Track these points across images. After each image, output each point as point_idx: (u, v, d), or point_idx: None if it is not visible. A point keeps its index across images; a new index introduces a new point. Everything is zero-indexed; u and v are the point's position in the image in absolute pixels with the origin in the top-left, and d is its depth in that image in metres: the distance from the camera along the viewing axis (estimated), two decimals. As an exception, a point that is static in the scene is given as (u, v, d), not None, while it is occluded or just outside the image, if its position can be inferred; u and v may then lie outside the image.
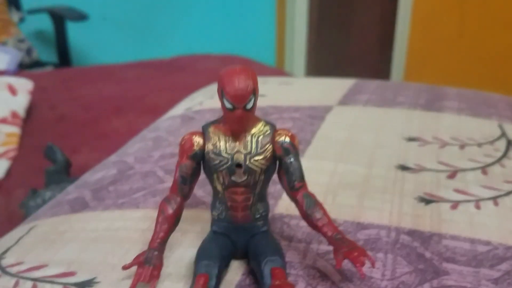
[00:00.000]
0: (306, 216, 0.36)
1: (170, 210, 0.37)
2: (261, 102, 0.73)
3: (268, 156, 0.37)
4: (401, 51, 2.74)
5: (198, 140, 0.37)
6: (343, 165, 0.51)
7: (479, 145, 0.57)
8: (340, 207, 0.44)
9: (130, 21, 2.79)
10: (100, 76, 1.78)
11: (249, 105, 0.34)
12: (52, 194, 0.94)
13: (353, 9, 3.03)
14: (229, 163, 0.36)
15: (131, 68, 1.88)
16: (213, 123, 0.38)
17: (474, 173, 0.51)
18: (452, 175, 0.50)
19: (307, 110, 0.66)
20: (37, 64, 2.39)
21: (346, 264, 0.37)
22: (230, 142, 0.36)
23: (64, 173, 1.03)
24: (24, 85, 1.42)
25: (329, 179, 0.48)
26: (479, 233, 0.41)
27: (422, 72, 2.75)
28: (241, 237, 0.38)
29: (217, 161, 0.36)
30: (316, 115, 0.63)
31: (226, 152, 0.36)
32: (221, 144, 0.36)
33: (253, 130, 0.37)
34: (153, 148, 0.61)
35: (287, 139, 0.37)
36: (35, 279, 0.39)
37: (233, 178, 0.36)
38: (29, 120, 1.38)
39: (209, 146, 0.37)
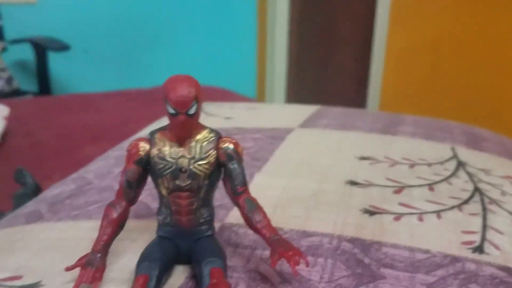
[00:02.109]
0: (246, 218, 0.37)
1: (114, 214, 0.38)
2: (226, 124, 0.75)
3: (212, 161, 0.38)
4: (376, 87, 2.83)
5: (144, 145, 0.38)
6: (295, 181, 0.52)
7: (429, 165, 0.59)
8: (288, 218, 0.45)
9: (111, 53, 2.83)
10: (79, 105, 1.79)
11: (191, 111, 0.36)
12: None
13: (331, 47, 3.13)
14: (173, 167, 0.38)
15: (110, 97, 1.90)
16: (160, 129, 0.39)
17: (421, 189, 0.53)
18: (399, 190, 0.52)
19: (268, 132, 0.68)
20: (17, 92, 2.39)
21: (287, 267, 0.38)
22: (175, 147, 0.38)
23: (32, 196, 1.03)
24: (0, 110, 1.43)
25: (281, 193, 0.50)
26: (419, 243, 0.43)
27: (396, 106, 2.82)
28: (185, 241, 0.39)
29: (161, 166, 0.38)
30: (276, 136, 0.66)
31: (170, 157, 0.38)
32: (166, 149, 0.38)
33: (198, 137, 0.38)
34: (115, 165, 0.62)
35: (231, 146, 0.38)
36: (-20, 283, 0.39)
37: (177, 182, 0.38)
38: (2, 146, 1.38)
39: (155, 151, 0.38)
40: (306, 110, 0.83)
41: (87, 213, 0.49)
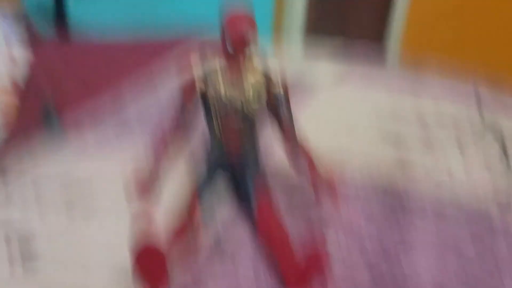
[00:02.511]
0: (293, 160, 0.40)
1: (166, 149, 0.41)
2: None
3: (263, 104, 0.40)
4: (400, 15, 2.74)
5: (199, 84, 0.40)
6: (328, 135, 0.54)
7: (457, 125, 0.61)
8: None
9: None
10: (97, 55, 1.80)
11: (249, 52, 0.38)
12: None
13: None
14: (227, 108, 0.40)
15: (128, 50, 1.90)
16: (214, 69, 0.41)
17: (451, 148, 0.55)
18: (429, 146, 0.54)
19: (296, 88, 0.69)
20: (35, 38, 2.39)
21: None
22: (229, 88, 0.40)
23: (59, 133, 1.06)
24: (24, 56, 1.44)
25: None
26: (449, 197, 0.45)
27: (419, 37, 2.74)
28: (234, 175, 0.41)
29: (216, 106, 0.40)
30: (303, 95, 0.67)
31: (224, 98, 0.40)
32: (221, 89, 0.40)
33: (252, 79, 0.40)
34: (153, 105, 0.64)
35: (281, 91, 0.40)
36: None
37: (229, 122, 0.40)
38: (26, 93, 1.41)
39: (210, 92, 0.40)
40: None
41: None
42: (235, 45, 0.37)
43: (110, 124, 0.62)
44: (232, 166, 0.41)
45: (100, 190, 0.48)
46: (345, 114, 0.61)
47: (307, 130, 0.49)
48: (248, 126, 0.40)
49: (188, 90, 0.40)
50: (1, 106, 1.34)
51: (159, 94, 0.72)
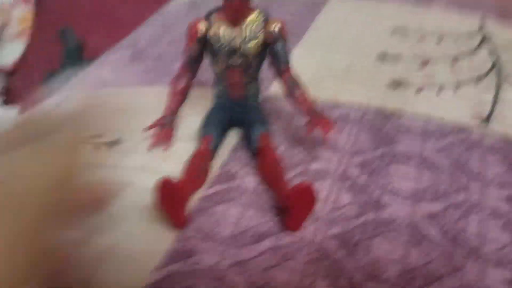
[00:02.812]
0: (288, 93, 0.44)
1: (180, 85, 0.46)
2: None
3: (260, 42, 0.44)
4: None
5: (202, 26, 0.44)
6: (330, 54, 0.58)
7: (456, 39, 0.63)
8: (321, 90, 0.52)
9: None
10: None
11: None
12: (70, 75, 1.03)
13: None
14: (227, 47, 0.44)
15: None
16: (215, 11, 0.44)
17: (444, 63, 0.58)
18: (425, 63, 0.57)
19: (307, 1, 0.71)
20: None
21: (319, 134, 0.46)
22: (229, 28, 0.44)
23: (78, 55, 1.10)
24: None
25: (316, 66, 0.56)
26: (435, 113, 0.50)
27: None
28: (237, 110, 0.47)
29: (217, 45, 0.44)
30: (313, 8, 0.69)
31: (224, 38, 0.44)
32: (221, 30, 0.44)
33: (249, 19, 0.44)
34: (163, 33, 0.68)
35: (277, 29, 0.44)
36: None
37: (230, 61, 0.44)
38: (44, 8, 1.41)
39: (211, 32, 0.44)
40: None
41: (148, 79, 0.57)
42: None
43: (125, 49, 0.67)
44: (236, 102, 0.46)
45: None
46: (348, 29, 0.63)
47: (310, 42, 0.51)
48: (246, 63, 0.44)
49: (191, 31, 0.44)
50: (20, 16, 1.37)
51: (169, 23, 0.74)
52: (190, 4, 0.73)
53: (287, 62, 0.44)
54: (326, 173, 0.44)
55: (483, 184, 0.45)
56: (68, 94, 0.58)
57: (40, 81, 1.12)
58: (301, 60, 0.57)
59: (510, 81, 0.55)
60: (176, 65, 0.59)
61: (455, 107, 0.51)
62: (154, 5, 1.12)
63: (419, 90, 0.53)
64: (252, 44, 0.44)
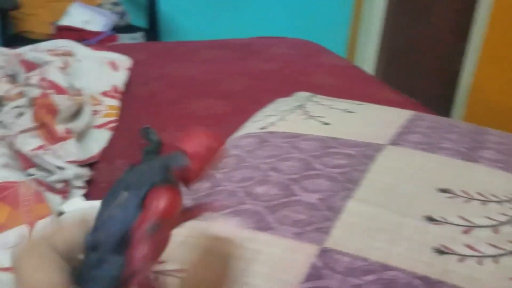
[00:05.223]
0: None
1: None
2: (324, 132, 0.88)
3: None
4: (476, 43, 2.71)
5: None
6: (382, 210, 0.66)
7: (499, 202, 0.69)
8: (373, 249, 0.60)
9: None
10: (185, 55, 1.97)
11: None
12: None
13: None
14: None
15: (211, 48, 2.05)
16: None
17: (487, 230, 0.64)
18: (467, 231, 0.64)
19: (362, 148, 0.80)
20: (129, 27, 2.62)
21: None
22: None
23: (157, 153, 1.24)
24: (124, 62, 1.64)
25: (369, 223, 0.64)
26: (475, 286, 0.56)
27: (493, 69, 2.71)
28: None
29: None
30: (368, 154, 0.78)
31: None
32: None
33: None
34: (236, 167, 0.79)
35: None
36: (159, 272, 0.58)
37: None
38: (125, 95, 1.60)
39: None
40: (399, 118, 0.93)
41: (223, 217, 0.67)
42: None
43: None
44: None
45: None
46: (399, 183, 0.71)
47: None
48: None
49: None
50: (107, 108, 1.55)
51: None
52: (260, 139, 0.84)
53: None
54: None
55: None
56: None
57: (122, 169, 1.27)
58: (355, 215, 0.65)
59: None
60: (247, 207, 0.69)
61: (495, 281, 0.57)
62: (222, 103, 1.25)
63: (461, 259, 0.59)
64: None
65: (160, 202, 0.27)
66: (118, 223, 0.26)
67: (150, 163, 0.29)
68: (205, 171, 0.31)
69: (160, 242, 0.28)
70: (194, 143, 0.30)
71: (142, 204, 0.27)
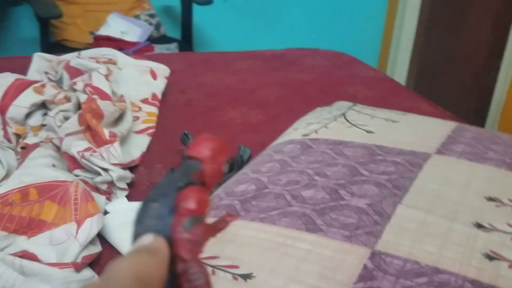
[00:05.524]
0: None
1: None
2: (368, 140, 0.89)
3: None
4: (510, 60, 2.69)
5: None
6: (430, 216, 0.66)
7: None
8: (424, 254, 0.60)
9: (247, 5, 3.00)
10: (219, 64, 2.01)
11: None
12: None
13: (465, 12, 2.98)
14: None
15: (245, 58, 2.09)
16: None
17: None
18: (517, 239, 0.64)
19: (408, 156, 0.81)
20: (163, 38, 2.68)
21: None
22: None
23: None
24: (163, 70, 1.68)
25: (419, 227, 0.64)
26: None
27: None
28: None
29: None
30: (415, 162, 0.79)
31: None
32: None
33: None
34: (281, 171, 0.80)
35: None
36: (213, 266, 0.60)
37: None
38: (163, 103, 1.64)
39: None
40: (443, 129, 0.93)
41: (270, 218, 0.68)
42: None
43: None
44: None
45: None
46: (448, 190, 0.71)
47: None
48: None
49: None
50: (144, 115, 1.59)
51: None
52: (303, 146, 0.86)
53: None
54: None
55: None
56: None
57: (161, 174, 1.29)
58: (405, 220, 0.66)
59: None
60: (294, 209, 0.70)
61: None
62: (256, 112, 1.26)
63: (511, 266, 0.59)
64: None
65: (189, 200, 0.29)
66: (157, 232, 0.28)
67: (168, 176, 0.32)
68: (218, 171, 0.33)
69: (198, 237, 0.29)
70: (202, 148, 0.33)
71: (173, 208, 0.29)
